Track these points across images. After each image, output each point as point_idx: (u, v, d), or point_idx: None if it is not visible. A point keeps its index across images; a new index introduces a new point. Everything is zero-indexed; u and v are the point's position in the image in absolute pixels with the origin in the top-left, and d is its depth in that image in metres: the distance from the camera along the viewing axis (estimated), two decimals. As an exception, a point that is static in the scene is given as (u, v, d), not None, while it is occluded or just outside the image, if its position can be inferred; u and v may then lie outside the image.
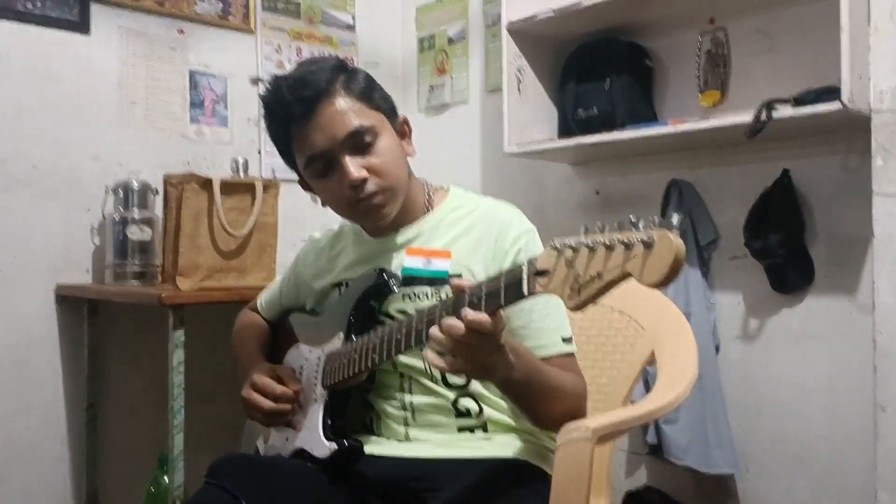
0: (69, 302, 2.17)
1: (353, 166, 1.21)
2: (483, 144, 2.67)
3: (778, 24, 1.94)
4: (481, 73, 2.67)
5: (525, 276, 0.91)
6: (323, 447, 1.22)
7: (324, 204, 1.31)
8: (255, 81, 2.52)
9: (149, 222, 2.15)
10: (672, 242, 0.75)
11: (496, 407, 1.26)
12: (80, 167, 2.19)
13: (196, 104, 2.42)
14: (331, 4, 2.75)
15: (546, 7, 2.09)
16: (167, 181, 1.95)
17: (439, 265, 1.25)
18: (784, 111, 1.70)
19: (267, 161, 2.53)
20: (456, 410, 1.25)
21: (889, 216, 1.62)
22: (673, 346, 1.35)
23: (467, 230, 1.28)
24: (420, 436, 1.26)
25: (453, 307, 1.00)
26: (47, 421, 2.15)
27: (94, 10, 2.22)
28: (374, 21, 2.86)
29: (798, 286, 1.92)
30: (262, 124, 1.32)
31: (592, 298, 0.83)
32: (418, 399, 1.26)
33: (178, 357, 1.79)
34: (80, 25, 2.20)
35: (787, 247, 1.88)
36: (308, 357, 1.35)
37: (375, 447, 1.26)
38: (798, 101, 1.71)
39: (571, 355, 1.23)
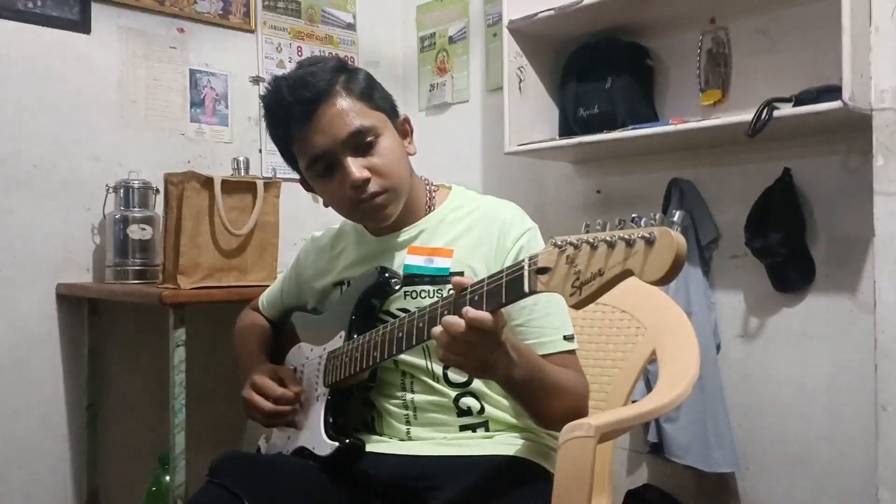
0: (69, 301, 2.16)
1: (355, 167, 1.20)
2: (484, 144, 2.67)
3: (779, 24, 1.94)
4: (482, 73, 2.67)
5: (526, 274, 0.91)
6: (324, 445, 1.22)
7: (326, 204, 1.31)
8: (256, 81, 2.51)
9: (149, 221, 2.15)
10: (673, 239, 0.75)
11: (498, 405, 1.26)
12: (80, 167, 2.19)
13: (196, 103, 2.42)
14: (331, 3, 2.74)
15: (547, 6, 2.09)
16: (168, 180, 1.95)
17: (441, 263, 1.25)
18: (785, 110, 1.70)
19: (268, 160, 2.53)
20: (457, 409, 1.25)
21: (890, 215, 1.62)
22: (674, 345, 1.35)
23: (469, 229, 1.28)
24: (422, 434, 1.26)
25: (454, 305, 1.00)
26: (47, 420, 2.15)
27: (95, 9, 2.21)
28: (374, 20, 2.86)
29: (799, 285, 1.92)
30: (263, 123, 1.32)
31: (594, 296, 0.83)
32: (420, 397, 1.26)
33: (178, 356, 1.79)
34: (81, 25, 2.19)
35: (787, 246, 1.88)
36: (309, 356, 1.35)
37: (377, 445, 1.26)
38: (799, 100, 1.72)
39: (573, 353, 1.23)
